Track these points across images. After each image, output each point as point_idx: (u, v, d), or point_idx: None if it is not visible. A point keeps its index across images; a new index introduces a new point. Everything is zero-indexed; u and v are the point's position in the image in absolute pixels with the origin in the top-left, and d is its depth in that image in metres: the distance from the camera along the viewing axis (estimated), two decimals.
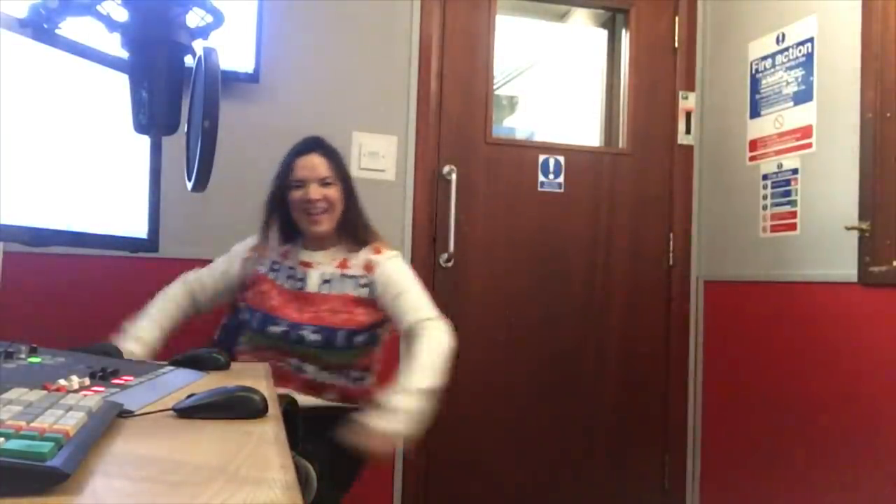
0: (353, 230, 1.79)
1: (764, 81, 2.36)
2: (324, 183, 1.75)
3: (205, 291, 1.86)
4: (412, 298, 1.71)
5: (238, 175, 2.18)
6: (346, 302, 1.73)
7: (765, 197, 2.32)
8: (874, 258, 1.93)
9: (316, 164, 1.77)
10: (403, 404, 1.52)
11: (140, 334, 1.71)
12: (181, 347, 1.50)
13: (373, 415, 1.51)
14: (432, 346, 1.61)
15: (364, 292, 1.74)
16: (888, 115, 1.92)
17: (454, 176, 2.42)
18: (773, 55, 2.32)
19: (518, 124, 3.71)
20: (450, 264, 2.41)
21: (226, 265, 1.88)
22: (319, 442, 1.56)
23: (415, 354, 1.60)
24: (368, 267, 1.76)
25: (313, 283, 1.75)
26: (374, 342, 1.80)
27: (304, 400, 1.67)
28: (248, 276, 1.83)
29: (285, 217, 1.79)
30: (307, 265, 1.78)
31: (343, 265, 1.77)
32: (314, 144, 1.81)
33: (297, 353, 1.70)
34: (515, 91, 3.64)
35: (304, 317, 1.71)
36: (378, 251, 1.79)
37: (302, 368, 1.72)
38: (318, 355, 1.71)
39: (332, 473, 1.55)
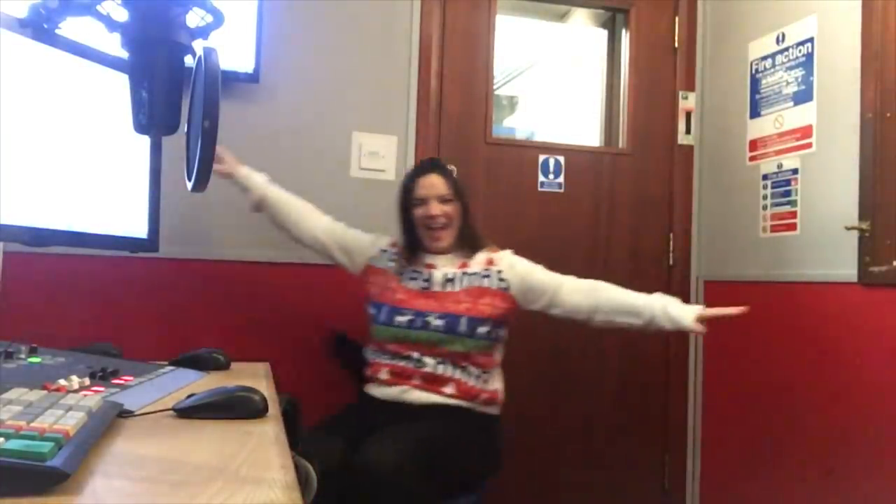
0: (471, 241, 1.93)
1: (764, 81, 2.36)
2: (443, 200, 1.89)
3: (336, 235, 1.99)
4: (543, 272, 1.88)
5: None
6: (469, 293, 1.85)
7: (765, 197, 2.32)
8: (874, 258, 1.93)
9: (435, 183, 1.90)
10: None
11: (266, 181, 1.98)
12: (181, 347, 1.50)
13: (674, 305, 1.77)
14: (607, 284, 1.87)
15: (486, 282, 1.86)
16: (888, 115, 1.92)
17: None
18: (773, 55, 2.32)
19: (518, 124, 3.71)
20: None
21: (369, 241, 2.00)
22: (436, 437, 1.71)
23: (617, 292, 1.84)
24: (489, 261, 1.90)
25: (437, 281, 1.88)
26: (496, 339, 1.89)
27: (421, 397, 1.81)
28: (375, 265, 1.97)
29: (410, 234, 1.93)
30: (431, 267, 1.91)
31: (464, 266, 1.90)
32: (432, 165, 1.97)
33: (421, 341, 1.81)
34: (515, 91, 3.64)
35: (430, 306, 1.84)
36: (495, 251, 1.94)
37: (422, 361, 1.81)
38: (441, 342, 1.80)
39: (439, 472, 1.65)
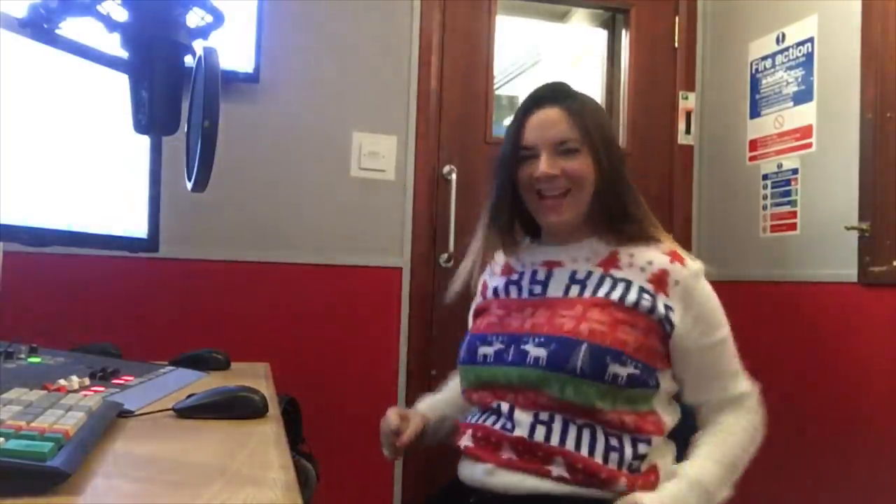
0: (620, 221, 1.22)
1: (764, 81, 2.35)
2: (562, 150, 1.19)
3: None
4: (727, 357, 1.22)
5: (238, 175, 2.18)
6: (603, 308, 1.15)
7: (765, 197, 2.32)
8: (874, 258, 1.93)
9: (550, 122, 1.20)
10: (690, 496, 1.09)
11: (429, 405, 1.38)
12: (181, 347, 1.50)
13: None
14: (748, 437, 1.19)
15: (645, 303, 1.15)
16: (888, 115, 1.91)
17: (454, 176, 2.41)
18: (773, 55, 2.32)
19: None
20: (450, 264, 2.41)
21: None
22: None
23: (723, 438, 1.17)
24: (660, 279, 1.17)
25: (558, 284, 1.22)
26: (648, 385, 1.15)
27: (512, 481, 1.12)
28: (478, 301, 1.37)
29: (512, 211, 1.28)
30: (553, 264, 1.25)
31: (610, 263, 1.21)
32: (551, 94, 1.23)
33: (512, 384, 1.16)
34: (515, 91, 3.63)
35: (526, 325, 1.19)
36: (676, 257, 1.20)
37: (513, 420, 1.14)
38: (544, 384, 1.11)
39: None
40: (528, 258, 1.29)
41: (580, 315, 1.15)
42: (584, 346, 1.10)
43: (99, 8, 0.85)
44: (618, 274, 1.19)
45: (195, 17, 0.87)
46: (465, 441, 1.20)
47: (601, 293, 1.17)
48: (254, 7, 2.17)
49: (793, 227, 2.21)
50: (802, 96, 2.20)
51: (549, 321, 1.16)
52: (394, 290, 2.32)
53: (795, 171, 2.21)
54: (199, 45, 0.87)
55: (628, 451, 1.12)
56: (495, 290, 1.30)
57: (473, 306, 1.39)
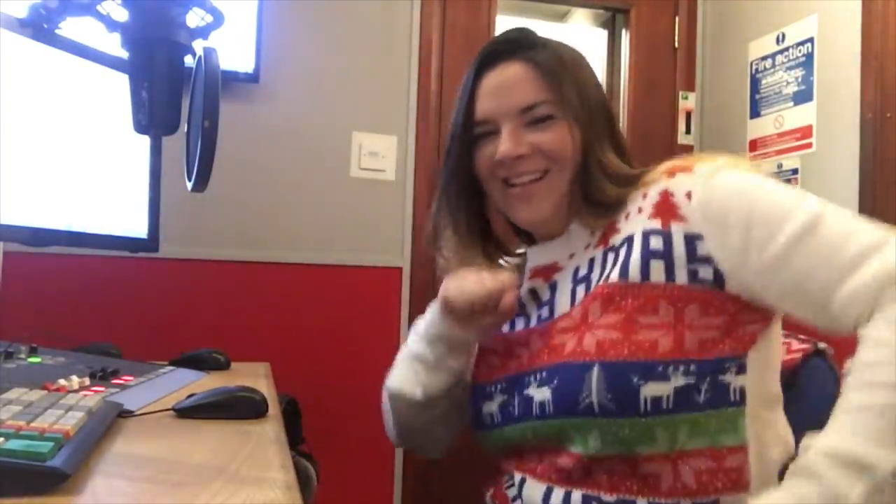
0: (602, 191, 0.89)
1: (764, 81, 2.35)
2: (530, 119, 0.89)
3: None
4: (828, 243, 0.73)
5: (238, 175, 2.18)
6: (606, 300, 0.81)
7: None
8: None
9: (510, 83, 0.91)
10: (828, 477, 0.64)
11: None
12: (181, 347, 1.50)
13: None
14: None
15: (657, 263, 0.80)
16: (888, 115, 1.91)
17: None
18: (773, 55, 2.32)
19: None
20: None
21: None
22: None
23: (867, 380, 0.68)
24: (663, 206, 0.83)
25: (564, 294, 0.90)
26: (725, 397, 0.77)
27: None
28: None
29: (481, 203, 0.97)
30: (550, 271, 0.94)
31: (605, 237, 0.89)
32: (508, 45, 0.94)
33: (531, 444, 0.86)
34: None
35: (525, 357, 0.89)
36: (676, 169, 0.86)
37: (521, 495, 0.86)
38: (564, 438, 0.80)
39: None
40: (523, 264, 0.99)
41: (579, 322, 0.82)
42: (594, 370, 0.76)
43: (99, 8, 0.85)
44: (617, 238, 0.85)
45: (195, 17, 0.87)
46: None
47: (609, 276, 0.82)
48: (254, 7, 2.17)
49: None
50: (802, 96, 2.20)
51: (547, 344, 0.85)
52: (394, 290, 2.32)
53: (795, 171, 2.21)
54: (199, 45, 0.87)
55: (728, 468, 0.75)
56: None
57: None
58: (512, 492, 0.88)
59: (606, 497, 0.77)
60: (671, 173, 0.84)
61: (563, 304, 0.89)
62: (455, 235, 0.96)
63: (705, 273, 0.78)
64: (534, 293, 0.94)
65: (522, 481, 0.86)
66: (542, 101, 0.89)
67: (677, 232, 0.80)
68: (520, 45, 0.92)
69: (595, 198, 0.89)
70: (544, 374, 0.83)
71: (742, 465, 0.76)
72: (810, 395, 0.81)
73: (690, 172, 0.83)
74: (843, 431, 0.66)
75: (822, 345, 0.88)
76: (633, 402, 0.74)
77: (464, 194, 0.95)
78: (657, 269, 0.79)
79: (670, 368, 0.74)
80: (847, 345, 0.74)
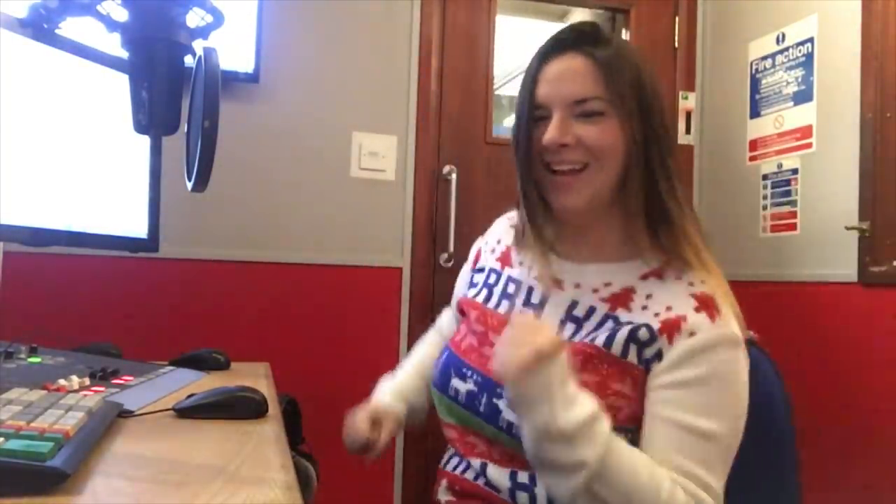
0: (657, 222, 0.93)
1: (764, 81, 2.35)
2: (581, 112, 0.93)
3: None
4: (703, 439, 0.85)
5: (238, 175, 2.18)
6: (587, 360, 0.90)
7: (765, 197, 2.32)
8: (874, 258, 1.92)
9: (569, 74, 0.94)
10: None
11: (395, 389, 1.20)
12: (181, 347, 1.50)
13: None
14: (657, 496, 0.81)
15: (631, 350, 0.89)
16: (888, 115, 1.91)
17: (454, 176, 2.41)
18: (773, 55, 2.32)
19: None
20: (450, 264, 2.41)
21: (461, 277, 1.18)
22: None
23: (643, 463, 0.83)
24: (672, 325, 0.88)
25: (553, 315, 0.96)
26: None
27: None
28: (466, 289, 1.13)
29: (529, 191, 1.00)
30: (552, 283, 0.99)
31: (620, 301, 0.93)
32: (575, 37, 0.96)
33: (486, 437, 0.96)
34: (515, 91, 3.63)
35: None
36: (707, 306, 0.89)
37: (488, 479, 0.96)
38: (519, 450, 0.88)
39: None
40: (529, 258, 1.02)
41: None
42: None
43: (99, 8, 0.85)
44: (624, 317, 0.91)
45: (195, 17, 0.87)
46: (443, 495, 1.02)
47: (596, 339, 0.90)
48: (254, 7, 2.17)
49: (793, 227, 2.21)
50: (802, 96, 2.20)
51: None
52: (394, 290, 2.32)
53: (795, 171, 2.21)
54: (199, 45, 0.87)
55: None
56: (488, 291, 1.05)
57: (465, 278, 1.17)
58: (475, 476, 0.98)
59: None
60: (700, 308, 0.90)
61: (548, 321, 0.96)
62: (526, 201, 1.01)
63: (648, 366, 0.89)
64: (529, 289, 1.00)
65: (484, 466, 0.96)
66: (595, 96, 0.92)
67: (661, 344, 0.89)
68: (586, 38, 0.95)
69: (654, 231, 0.94)
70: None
71: None
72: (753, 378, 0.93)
73: (713, 322, 0.88)
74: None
75: (751, 333, 0.99)
76: None
77: (526, 166, 0.98)
78: (633, 352, 0.89)
79: (621, 431, 0.86)
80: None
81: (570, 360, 0.84)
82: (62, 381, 0.91)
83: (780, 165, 2.27)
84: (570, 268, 0.98)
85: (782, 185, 2.25)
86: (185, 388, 1.09)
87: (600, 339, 0.90)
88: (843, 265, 2.00)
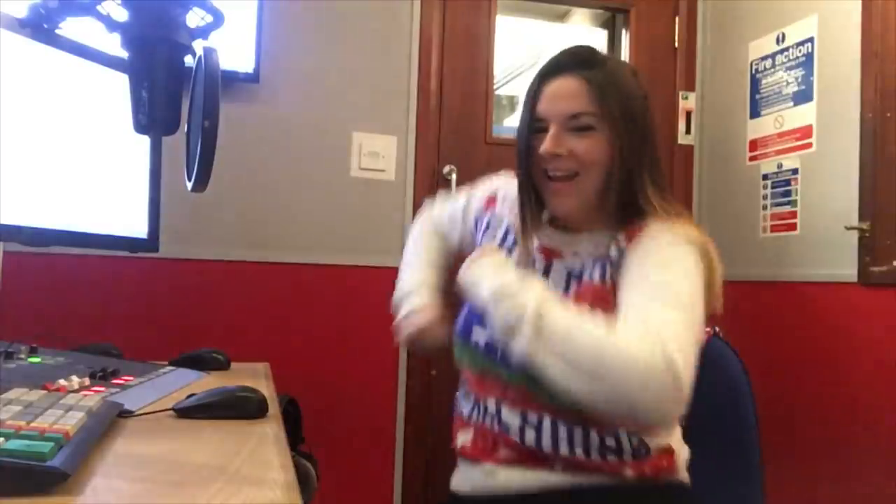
0: (629, 214, 1.08)
1: (764, 81, 2.35)
2: (574, 126, 1.06)
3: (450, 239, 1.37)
4: (661, 285, 0.98)
5: (238, 175, 2.18)
6: (596, 298, 1.05)
7: (765, 197, 2.32)
8: (874, 258, 1.93)
9: (565, 92, 1.07)
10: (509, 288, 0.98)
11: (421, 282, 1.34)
12: (181, 347, 1.50)
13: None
14: (612, 355, 0.91)
15: (610, 273, 1.06)
16: (888, 115, 1.92)
17: (454, 176, 2.41)
18: (773, 55, 2.32)
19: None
20: None
21: (462, 207, 1.32)
22: None
23: (589, 321, 0.95)
24: (633, 234, 1.06)
25: (558, 279, 1.11)
26: None
27: (502, 478, 1.08)
28: (471, 240, 1.28)
29: (529, 187, 1.14)
30: (552, 254, 1.13)
31: (607, 249, 1.09)
32: (571, 60, 1.09)
33: (503, 381, 1.09)
34: (515, 91, 3.63)
35: None
36: (668, 220, 1.06)
37: (504, 422, 1.08)
38: (532, 387, 1.01)
39: None
40: (530, 231, 1.15)
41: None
42: None
43: (99, 8, 0.85)
44: (609, 253, 1.07)
45: (195, 17, 0.87)
46: (462, 439, 1.14)
47: (594, 279, 1.07)
48: (254, 7, 2.17)
49: (793, 227, 2.21)
50: (802, 96, 2.20)
51: None
52: (393, 291, 2.32)
53: (795, 171, 2.21)
54: (199, 45, 0.87)
55: (627, 445, 1.05)
56: (507, 252, 1.18)
57: (475, 213, 1.28)
58: (490, 419, 1.10)
59: (569, 422, 1.04)
60: (663, 221, 1.06)
61: (555, 286, 1.10)
62: (526, 204, 1.15)
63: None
64: (533, 263, 1.15)
65: (498, 407, 1.09)
66: (587, 112, 1.06)
67: (626, 248, 1.06)
68: (582, 62, 1.09)
69: (628, 205, 1.08)
70: None
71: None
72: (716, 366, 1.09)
73: (671, 226, 1.05)
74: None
75: (716, 328, 1.22)
76: None
77: (526, 170, 1.14)
78: (609, 273, 1.07)
79: None
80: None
81: (580, 302, 1.03)
82: (62, 381, 0.90)
83: (780, 165, 2.27)
84: (565, 239, 1.14)
85: (782, 185, 2.25)
86: (185, 388, 1.09)
87: (596, 278, 1.07)
88: (842, 265, 2.00)
